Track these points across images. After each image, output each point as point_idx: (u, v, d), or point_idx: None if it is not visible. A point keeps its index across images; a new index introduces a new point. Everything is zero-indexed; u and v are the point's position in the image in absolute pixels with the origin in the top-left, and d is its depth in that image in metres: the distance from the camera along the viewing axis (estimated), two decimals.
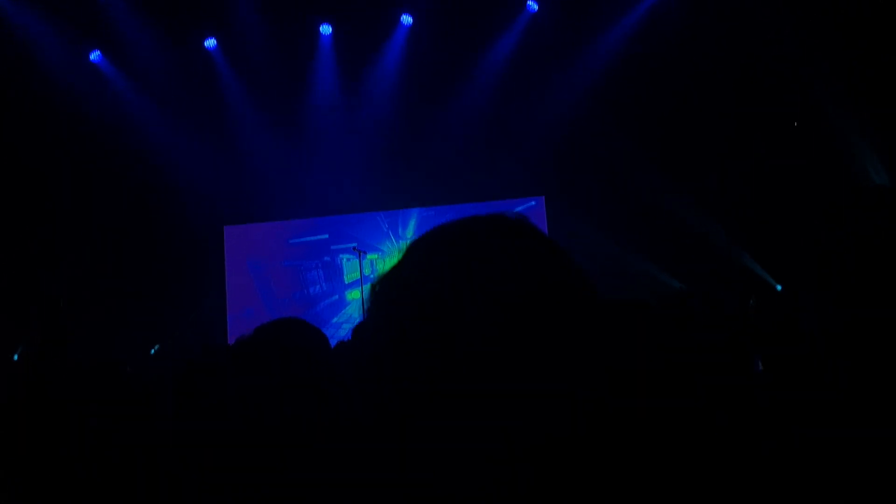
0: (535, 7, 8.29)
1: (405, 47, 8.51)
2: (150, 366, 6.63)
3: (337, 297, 8.78)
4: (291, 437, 1.49)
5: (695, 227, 7.95)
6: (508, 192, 8.29)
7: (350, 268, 8.77)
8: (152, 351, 8.20)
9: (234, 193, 8.69)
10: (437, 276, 0.80)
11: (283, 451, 1.45)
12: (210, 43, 8.51)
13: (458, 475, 0.76)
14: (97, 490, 1.51)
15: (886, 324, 0.93)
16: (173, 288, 8.50)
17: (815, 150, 7.25)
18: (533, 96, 8.36)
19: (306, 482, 1.30)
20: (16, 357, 7.31)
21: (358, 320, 5.25)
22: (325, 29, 8.51)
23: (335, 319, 8.55)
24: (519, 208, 8.14)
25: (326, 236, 8.91)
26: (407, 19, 8.42)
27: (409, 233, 8.57)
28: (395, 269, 0.85)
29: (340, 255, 8.83)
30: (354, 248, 7.76)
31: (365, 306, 0.86)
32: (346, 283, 8.82)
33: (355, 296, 8.49)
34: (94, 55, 8.40)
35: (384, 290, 0.84)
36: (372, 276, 7.98)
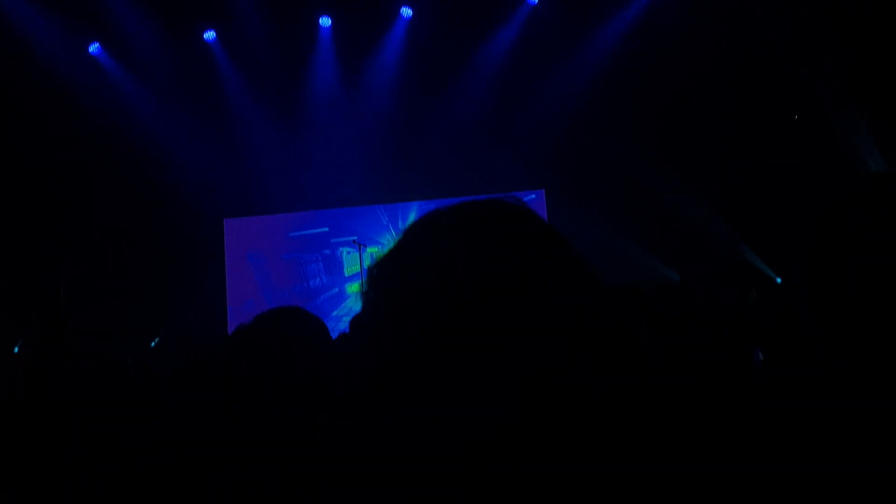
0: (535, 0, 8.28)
1: (405, 40, 8.49)
2: (151, 358, 6.64)
3: (337, 290, 8.78)
4: (292, 423, 1.49)
5: (695, 220, 7.95)
6: (508, 185, 8.28)
7: (350, 261, 8.77)
8: (152, 343, 8.21)
9: (233, 186, 8.68)
10: (433, 258, 0.80)
11: (283, 438, 1.45)
12: (209, 35, 8.48)
13: (452, 449, 0.76)
14: (98, 484, 1.51)
15: (885, 314, 0.93)
16: (173, 280, 8.50)
17: (813, 140, 7.24)
18: (533, 89, 8.35)
19: (307, 467, 1.30)
20: (16, 349, 7.32)
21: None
22: (325, 21, 8.49)
23: (335, 312, 8.55)
24: None
25: (326, 229, 8.91)
26: (407, 12, 8.40)
27: None
28: (392, 251, 0.84)
29: (340, 249, 8.83)
30: (354, 241, 7.76)
31: (363, 288, 0.85)
32: (347, 276, 8.82)
33: (355, 289, 8.50)
34: (94, 48, 8.38)
35: (381, 271, 0.84)
36: None
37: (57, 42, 8.02)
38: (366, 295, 0.85)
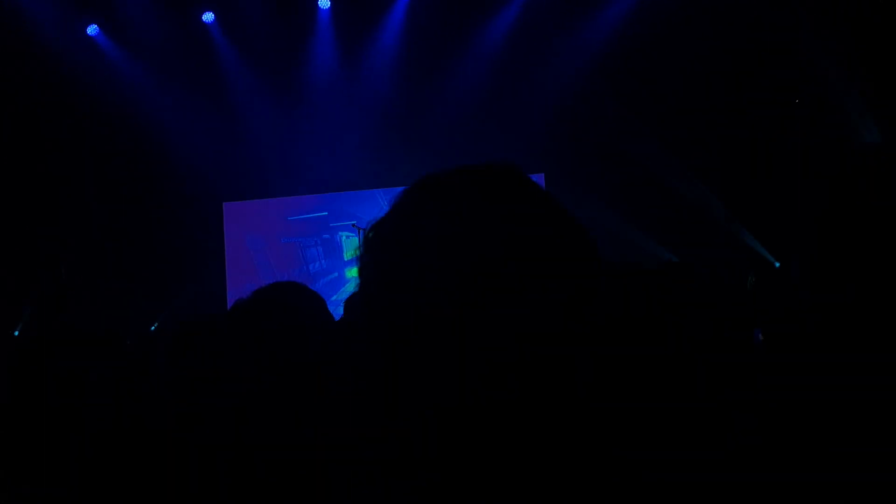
0: None
1: (404, 21, 8.44)
2: (151, 342, 6.65)
3: (336, 274, 8.78)
4: (289, 395, 1.49)
5: (695, 204, 7.94)
6: None
7: (349, 245, 8.76)
8: (152, 328, 8.23)
9: (232, 170, 8.67)
10: (429, 222, 0.79)
11: (281, 411, 1.46)
12: (208, 17, 8.43)
13: (446, 413, 0.75)
14: (97, 462, 1.52)
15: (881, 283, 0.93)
16: (173, 265, 8.51)
17: (811, 118, 7.20)
18: (533, 72, 8.31)
19: (303, 440, 1.31)
20: (16, 333, 7.33)
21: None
22: (324, 3, 8.44)
23: (335, 297, 8.56)
24: None
25: (326, 213, 8.90)
26: None
27: None
28: (388, 214, 0.84)
29: (340, 233, 8.83)
30: (354, 225, 7.75)
31: (358, 252, 0.85)
32: (346, 260, 8.83)
33: (355, 273, 8.48)
34: (92, 29, 8.34)
35: (377, 235, 0.84)
36: None
37: (55, 23, 7.98)
38: (361, 259, 0.84)
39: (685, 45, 7.65)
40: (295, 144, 8.65)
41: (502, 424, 0.75)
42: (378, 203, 8.71)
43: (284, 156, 8.68)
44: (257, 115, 8.68)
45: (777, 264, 7.56)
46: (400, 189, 0.85)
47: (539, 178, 8.52)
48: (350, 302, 2.40)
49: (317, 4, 8.45)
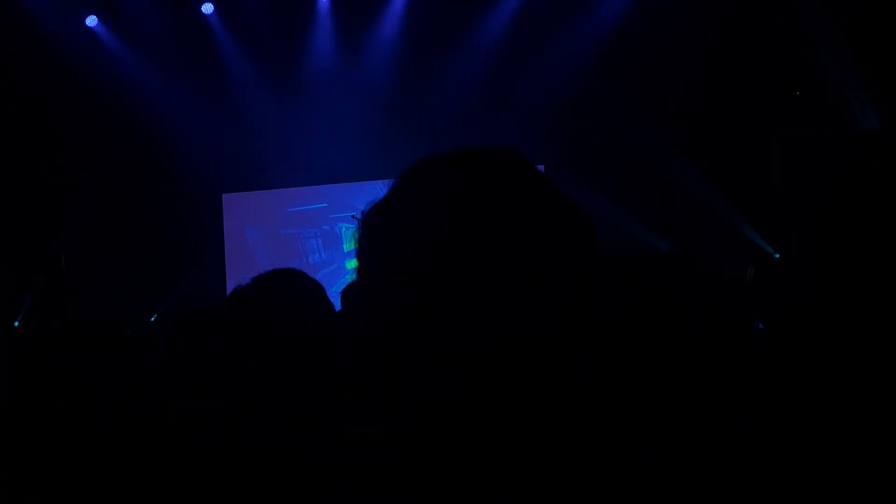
0: None
1: (404, 12, 8.41)
2: (150, 333, 6.66)
3: (336, 265, 8.78)
4: (289, 380, 1.49)
5: (696, 196, 7.94)
6: None
7: (349, 237, 8.70)
8: (152, 319, 8.23)
9: (232, 161, 8.66)
10: (427, 205, 0.79)
11: (280, 398, 1.46)
12: (207, 8, 8.40)
13: (445, 401, 0.75)
14: (97, 454, 1.52)
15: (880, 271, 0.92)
16: (172, 256, 8.51)
17: (811, 105, 7.19)
18: (533, 64, 8.30)
19: (302, 436, 1.31)
20: (16, 324, 7.34)
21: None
22: None
23: (335, 288, 8.51)
24: None
25: (325, 205, 8.89)
26: None
27: None
28: (386, 197, 0.84)
29: (340, 224, 8.82)
30: (353, 216, 7.71)
31: (356, 235, 0.85)
32: (346, 251, 8.82)
33: (355, 265, 8.48)
34: (91, 20, 8.31)
35: (375, 218, 0.84)
36: None
37: (54, 14, 7.95)
38: (359, 243, 0.84)
39: (684, 35, 7.63)
40: (294, 136, 8.64)
41: (500, 424, 0.74)
42: (378, 194, 8.68)
43: (284, 147, 8.66)
44: (257, 106, 8.66)
45: (776, 255, 7.57)
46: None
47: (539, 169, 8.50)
48: (347, 292, 2.40)
49: None
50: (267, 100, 8.64)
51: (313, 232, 8.92)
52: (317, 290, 1.72)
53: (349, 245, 9.22)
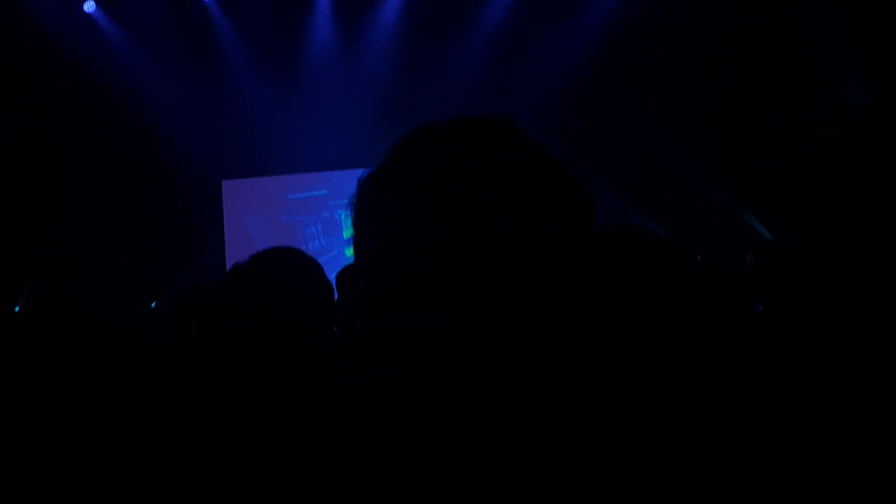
0: None
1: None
2: (151, 320, 6.66)
3: (336, 252, 8.78)
4: (286, 357, 1.50)
5: (695, 183, 7.93)
6: None
7: (349, 223, 8.74)
8: (153, 305, 8.24)
9: (231, 148, 8.63)
10: (423, 173, 0.78)
11: (275, 369, 1.46)
12: None
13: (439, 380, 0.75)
14: (97, 439, 1.52)
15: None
16: (172, 242, 8.51)
17: (806, 86, 7.15)
18: (533, 50, 8.27)
19: (300, 421, 1.31)
20: (17, 309, 7.35)
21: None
22: None
23: (334, 274, 8.56)
24: None
25: (325, 192, 8.88)
26: None
27: None
28: (382, 165, 0.83)
29: (339, 211, 8.81)
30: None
31: (350, 202, 0.84)
32: (346, 238, 8.82)
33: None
34: (89, 6, 8.27)
35: (370, 186, 0.83)
36: None
37: (51, 0, 7.92)
38: (354, 211, 0.84)
39: (681, 23, 7.61)
40: (294, 122, 8.61)
41: (500, 424, 0.74)
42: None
43: (283, 134, 8.64)
44: (256, 92, 8.63)
45: (772, 238, 7.56)
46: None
47: None
48: (342, 276, 2.40)
49: None
50: (266, 86, 8.61)
51: (313, 219, 8.91)
52: (316, 269, 1.72)
53: (349, 232, 9.21)
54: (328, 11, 8.50)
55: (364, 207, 0.83)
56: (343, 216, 8.78)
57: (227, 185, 9.00)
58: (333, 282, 1.99)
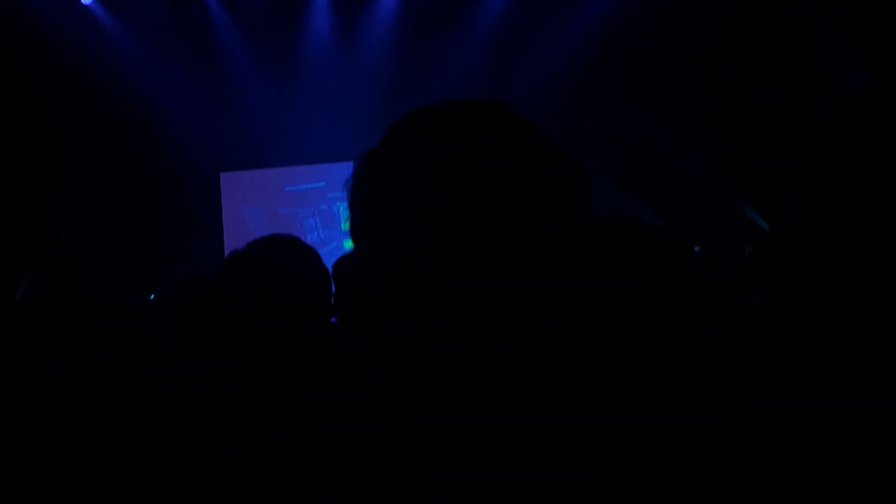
0: None
1: None
2: (150, 311, 6.65)
3: (335, 244, 8.78)
4: (284, 341, 1.49)
5: (694, 175, 7.93)
6: None
7: (347, 216, 8.74)
8: (152, 296, 8.23)
9: (229, 140, 8.62)
10: (418, 156, 0.78)
11: (271, 356, 1.46)
12: None
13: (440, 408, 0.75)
14: (95, 426, 1.52)
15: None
16: (170, 234, 8.50)
17: (804, 77, 7.14)
18: (532, 41, 8.25)
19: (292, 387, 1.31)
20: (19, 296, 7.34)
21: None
22: None
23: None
24: None
25: (323, 184, 8.87)
26: None
27: None
28: (378, 147, 0.83)
29: (337, 203, 8.81)
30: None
31: (347, 186, 0.83)
32: (344, 230, 8.81)
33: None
34: None
35: (367, 168, 0.83)
36: None
37: None
38: (350, 192, 0.83)
39: (680, 16, 7.59)
40: (292, 114, 8.60)
41: (500, 424, 0.74)
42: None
43: (282, 126, 8.63)
44: (254, 84, 8.61)
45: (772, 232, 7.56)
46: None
47: None
48: (339, 266, 2.39)
49: None
50: (264, 78, 8.59)
51: (311, 211, 8.91)
52: (314, 257, 1.73)
53: (347, 224, 9.20)
54: (326, 3, 8.48)
55: (361, 192, 0.83)
56: (341, 208, 8.77)
57: (226, 177, 8.99)
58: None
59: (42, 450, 1.49)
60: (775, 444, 0.72)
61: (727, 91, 7.67)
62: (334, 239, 8.82)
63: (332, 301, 1.81)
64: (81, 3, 8.23)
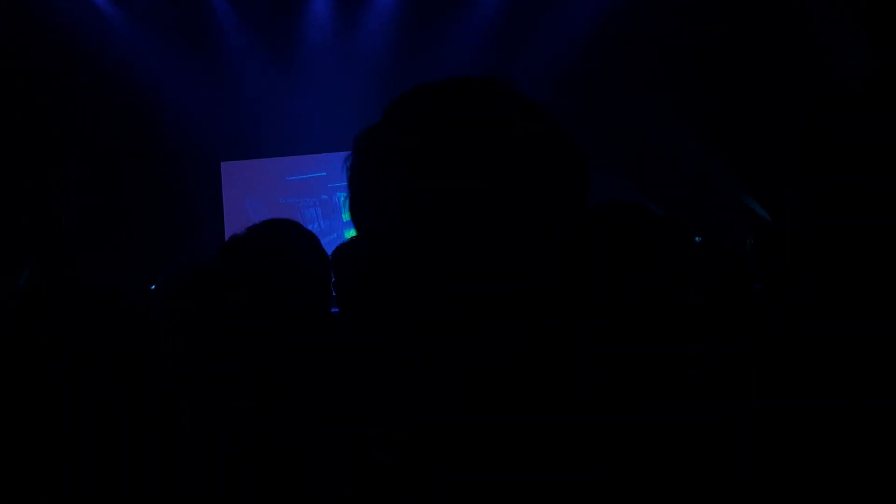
0: None
1: None
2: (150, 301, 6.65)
3: (336, 234, 8.77)
4: (286, 324, 1.49)
5: (696, 165, 7.92)
6: None
7: (348, 205, 8.74)
8: (153, 287, 8.23)
9: (230, 129, 8.61)
10: (416, 133, 0.78)
11: (271, 341, 1.46)
12: None
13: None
14: (96, 417, 1.52)
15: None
16: (171, 224, 8.50)
17: (808, 62, 7.11)
18: (534, 31, 8.22)
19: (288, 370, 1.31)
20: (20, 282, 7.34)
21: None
22: None
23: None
24: None
25: (324, 174, 8.86)
26: None
27: None
28: (378, 124, 0.83)
29: (338, 193, 8.80)
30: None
31: (347, 163, 0.83)
32: (345, 221, 8.81)
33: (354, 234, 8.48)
34: None
35: (366, 143, 0.82)
36: None
37: None
38: (350, 171, 0.83)
39: (680, 2, 7.57)
40: (293, 104, 8.58)
41: (501, 424, 0.73)
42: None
43: (283, 115, 8.61)
44: (255, 74, 8.60)
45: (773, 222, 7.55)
46: None
47: None
48: (338, 254, 2.39)
49: None
50: (265, 67, 8.57)
51: (312, 201, 8.90)
52: (315, 242, 1.73)
53: (348, 214, 9.19)
54: None
55: (358, 177, 0.82)
56: (342, 198, 8.76)
57: (227, 167, 8.98)
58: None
59: (42, 449, 1.49)
60: (775, 444, 0.72)
61: (729, 81, 7.64)
62: (335, 229, 8.81)
63: (332, 289, 1.81)
64: None
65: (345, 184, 0.82)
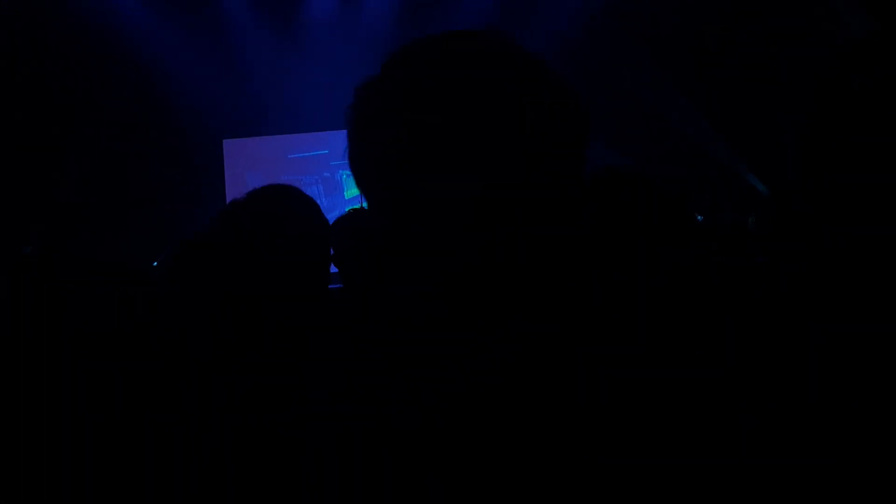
0: None
1: None
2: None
3: (337, 212, 8.72)
4: (283, 286, 1.49)
5: (699, 143, 7.89)
6: None
7: (350, 184, 8.72)
8: (154, 263, 8.25)
9: (232, 107, 8.58)
10: (416, 86, 0.78)
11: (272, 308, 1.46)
12: None
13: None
14: (102, 391, 1.52)
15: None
16: (173, 201, 8.50)
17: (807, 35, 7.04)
18: (538, 10, 8.16)
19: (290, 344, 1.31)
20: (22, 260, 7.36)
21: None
22: None
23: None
24: None
25: (326, 152, 8.84)
26: None
27: None
28: (378, 77, 0.83)
29: (340, 171, 8.78)
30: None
31: (347, 115, 0.83)
32: (347, 198, 8.80)
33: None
34: None
35: (366, 95, 0.82)
36: None
37: None
38: (350, 121, 0.83)
39: None
40: (295, 81, 8.55)
41: (501, 424, 0.73)
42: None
43: (285, 93, 8.58)
44: (257, 51, 8.55)
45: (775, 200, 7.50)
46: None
47: None
48: (337, 226, 2.39)
49: None
50: (267, 44, 8.53)
51: (314, 179, 8.88)
52: (315, 207, 1.73)
53: (350, 192, 9.19)
54: None
55: (355, 137, 0.82)
56: (344, 176, 8.75)
57: (229, 144, 8.96)
58: None
59: (42, 449, 1.49)
60: (776, 443, 0.71)
61: (732, 57, 7.59)
62: (337, 206, 8.79)
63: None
64: None
65: (346, 161, 0.82)
